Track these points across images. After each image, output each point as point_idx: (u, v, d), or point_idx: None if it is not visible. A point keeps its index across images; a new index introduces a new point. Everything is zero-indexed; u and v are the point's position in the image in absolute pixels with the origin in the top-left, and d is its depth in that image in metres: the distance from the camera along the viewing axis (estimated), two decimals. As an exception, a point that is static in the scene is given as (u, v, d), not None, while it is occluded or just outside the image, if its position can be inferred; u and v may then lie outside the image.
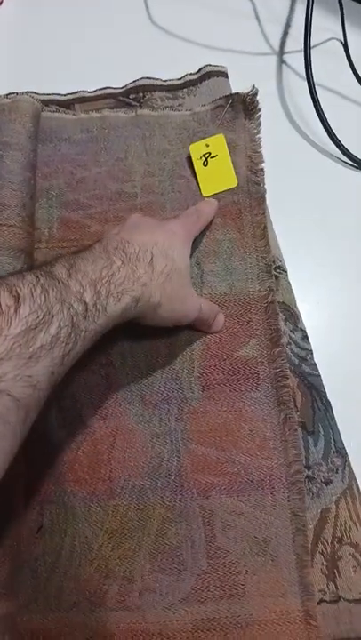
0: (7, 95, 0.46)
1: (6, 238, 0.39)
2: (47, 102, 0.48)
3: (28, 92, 0.47)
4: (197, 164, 0.44)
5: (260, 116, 0.45)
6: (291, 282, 0.42)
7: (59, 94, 0.49)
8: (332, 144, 0.47)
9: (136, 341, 0.40)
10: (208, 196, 0.44)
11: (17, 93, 0.47)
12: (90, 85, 0.49)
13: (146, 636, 0.34)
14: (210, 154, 0.44)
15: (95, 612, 0.34)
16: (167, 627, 0.34)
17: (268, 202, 0.44)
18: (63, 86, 0.49)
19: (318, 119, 0.46)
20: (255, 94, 0.44)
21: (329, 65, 0.50)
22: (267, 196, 0.44)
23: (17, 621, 0.33)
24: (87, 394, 0.39)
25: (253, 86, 0.44)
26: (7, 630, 0.31)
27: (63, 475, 0.37)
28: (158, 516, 0.36)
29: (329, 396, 0.39)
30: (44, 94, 0.48)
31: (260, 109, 0.45)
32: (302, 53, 0.47)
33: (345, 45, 0.51)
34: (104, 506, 0.36)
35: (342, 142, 0.47)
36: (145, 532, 0.36)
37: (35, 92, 0.48)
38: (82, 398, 0.39)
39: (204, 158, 0.44)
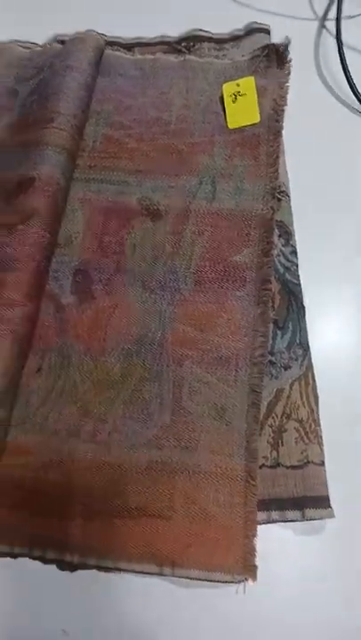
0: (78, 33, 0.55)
1: (55, 137, 0.47)
2: (111, 43, 0.56)
3: (97, 33, 0.55)
4: (227, 101, 0.50)
5: (290, 66, 0.50)
6: (292, 207, 0.47)
7: (122, 38, 0.57)
8: (355, 97, 0.51)
9: (147, 236, 0.46)
10: (233, 128, 0.49)
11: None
12: (150, 34, 0.57)
13: (107, 467, 0.40)
14: (239, 92, 0.50)
15: (70, 441, 0.40)
16: (126, 462, 0.39)
17: (287, 142, 0.49)
18: (127, 33, 0.57)
19: (343, 73, 0.51)
20: (287, 45, 0.50)
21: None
22: (287, 136, 0.49)
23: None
24: (98, 273, 0.46)
25: (286, 37, 0.49)
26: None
27: (66, 331, 0.44)
28: (138, 374, 0.42)
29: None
30: (111, 36, 0.56)
31: (290, 60, 0.50)
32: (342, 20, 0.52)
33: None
34: (95, 360, 0.43)
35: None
36: (124, 386, 0.42)
37: (104, 34, 0.56)
38: (93, 275, 0.45)
39: (233, 96, 0.50)
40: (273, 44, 0.51)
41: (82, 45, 0.52)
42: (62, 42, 0.56)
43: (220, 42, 0.55)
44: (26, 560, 0.38)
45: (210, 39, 0.56)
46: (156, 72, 0.54)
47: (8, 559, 0.38)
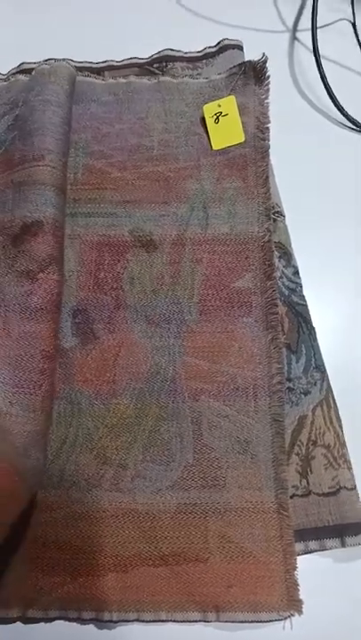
0: (46, 61, 0.53)
1: (51, 177, 0.44)
2: (80, 69, 0.54)
3: (64, 59, 0.53)
4: (209, 122, 0.49)
5: (268, 82, 0.50)
6: (288, 226, 0.47)
7: (91, 62, 0.55)
8: (336, 109, 0.51)
9: (144, 269, 0.45)
10: (218, 149, 0.49)
11: (55, 60, 0.53)
12: (119, 57, 0.55)
13: (134, 514, 0.38)
14: (221, 112, 0.49)
15: (91, 491, 0.39)
16: (153, 507, 0.38)
17: (274, 160, 0.49)
18: (95, 57, 0.55)
19: (323, 87, 0.51)
20: (265, 62, 0.49)
21: (338, 43, 0.55)
22: (273, 154, 0.48)
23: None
24: (98, 311, 0.44)
25: (263, 54, 0.49)
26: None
27: (73, 375, 0.42)
28: (153, 414, 0.41)
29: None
30: (78, 62, 0.55)
31: (269, 76, 0.50)
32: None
33: (354, 25, 0.56)
34: (106, 404, 0.41)
35: (345, 109, 0.51)
36: (140, 428, 0.40)
37: (71, 60, 0.54)
38: (93, 314, 0.44)
39: (215, 116, 0.49)
40: (250, 61, 0.50)
41: (55, 78, 0.50)
42: (28, 71, 0.54)
43: (192, 60, 0.55)
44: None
45: (182, 58, 0.55)
46: (130, 96, 0.52)
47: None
